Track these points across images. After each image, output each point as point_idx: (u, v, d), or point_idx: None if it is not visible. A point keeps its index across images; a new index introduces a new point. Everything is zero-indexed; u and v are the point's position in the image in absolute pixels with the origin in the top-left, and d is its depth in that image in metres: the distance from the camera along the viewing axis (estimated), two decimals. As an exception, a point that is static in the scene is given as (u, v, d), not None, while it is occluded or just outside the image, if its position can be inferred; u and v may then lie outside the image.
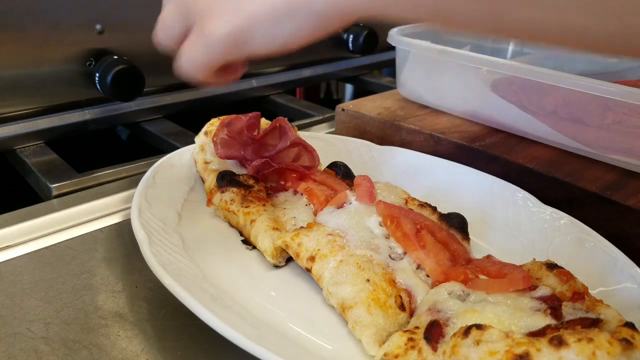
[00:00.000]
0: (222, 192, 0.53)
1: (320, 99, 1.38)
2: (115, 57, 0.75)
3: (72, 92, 0.78)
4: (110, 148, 0.92)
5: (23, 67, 0.74)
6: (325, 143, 0.67)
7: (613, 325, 0.35)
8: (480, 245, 0.51)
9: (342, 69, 1.13)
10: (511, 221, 0.52)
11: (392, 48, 0.75)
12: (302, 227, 0.48)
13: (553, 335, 0.32)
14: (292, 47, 0.40)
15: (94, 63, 0.76)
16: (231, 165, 0.61)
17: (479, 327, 0.33)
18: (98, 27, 0.77)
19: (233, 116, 0.64)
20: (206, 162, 0.60)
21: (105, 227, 0.57)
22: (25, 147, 0.75)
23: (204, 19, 0.40)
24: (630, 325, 0.34)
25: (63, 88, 0.77)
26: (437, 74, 0.69)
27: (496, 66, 0.61)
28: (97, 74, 0.74)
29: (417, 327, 0.37)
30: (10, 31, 0.71)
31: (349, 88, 1.41)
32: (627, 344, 0.32)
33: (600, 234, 0.47)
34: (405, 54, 0.73)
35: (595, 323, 0.34)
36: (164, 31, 0.45)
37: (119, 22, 0.79)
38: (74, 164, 0.71)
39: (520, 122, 0.62)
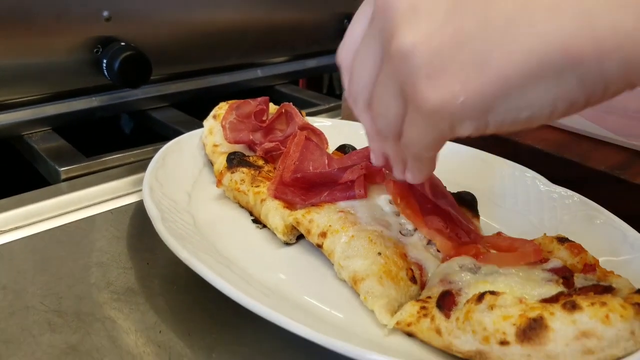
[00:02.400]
0: (232, 172, 0.53)
1: (323, 92, 1.38)
2: (123, 43, 0.75)
3: (79, 79, 0.78)
4: (117, 136, 0.93)
5: (30, 54, 0.74)
6: (333, 127, 0.67)
7: (625, 293, 0.35)
8: (490, 224, 0.51)
9: (347, 60, 1.13)
10: (520, 201, 0.53)
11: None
12: (312, 205, 0.48)
13: (566, 300, 0.32)
14: (535, 124, 0.28)
15: (101, 50, 0.77)
16: (240, 149, 0.61)
17: (492, 293, 0.33)
18: (105, 14, 0.77)
19: (242, 100, 0.65)
20: (215, 145, 0.60)
21: (114, 208, 0.57)
22: (33, 133, 0.75)
23: (422, 86, 0.28)
24: (642, 292, 0.34)
25: (70, 75, 0.77)
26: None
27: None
28: (105, 61, 0.75)
29: (429, 297, 0.38)
30: (18, 18, 0.71)
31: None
32: (639, 308, 0.32)
33: (610, 213, 0.48)
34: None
35: (607, 290, 0.34)
36: (383, 116, 0.32)
37: (126, 9, 0.79)
38: (81, 151, 0.72)
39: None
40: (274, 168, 0.56)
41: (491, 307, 0.33)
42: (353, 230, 0.44)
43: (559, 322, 0.31)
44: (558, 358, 0.31)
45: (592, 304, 0.31)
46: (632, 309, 0.31)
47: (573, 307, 0.31)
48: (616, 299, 0.32)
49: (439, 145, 0.32)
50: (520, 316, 0.32)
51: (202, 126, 0.66)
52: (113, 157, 0.69)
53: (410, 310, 0.37)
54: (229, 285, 0.36)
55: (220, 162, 0.57)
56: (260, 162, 0.55)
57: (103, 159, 0.68)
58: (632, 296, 0.33)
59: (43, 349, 0.38)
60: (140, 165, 0.67)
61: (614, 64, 0.25)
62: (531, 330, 0.31)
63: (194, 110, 0.88)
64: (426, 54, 0.27)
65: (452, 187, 0.51)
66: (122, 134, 0.94)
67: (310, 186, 0.51)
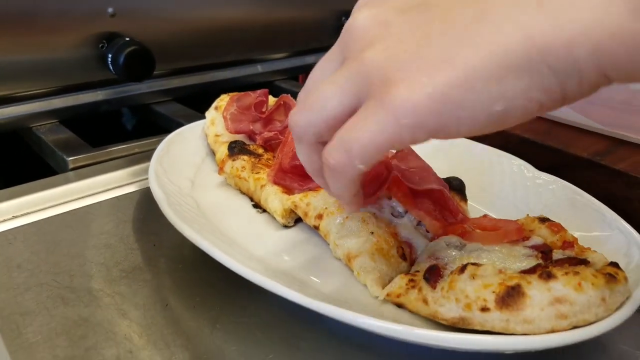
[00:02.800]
0: (234, 160, 0.56)
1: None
2: (127, 39, 0.78)
3: (85, 74, 0.81)
4: (120, 129, 0.95)
5: (38, 49, 0.76)
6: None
7: (599, 266, 0.38)
8: (477, 208, 0.54)
9: (345, 57, 1.16)
10: (507, 186, 0.55)
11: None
12: (309, 190, 0.51)
13: (543, 270, 0.35)
14: (511, 119, 0.27)
15: (106, 45, 0.79)
16: (240, 139, 0.63)
17: (474, 264, 0.36)
18: (110, 10, 0.80)
19: (242, 93, 0.67)
20: (217, 135, 0.63)
21: (120, 195, 0.60)
22: (41, 125, 0.78)
23: (389, 82, 0.27)
24: (614, 264, 0.37)
25: (76, 69, 0.80)
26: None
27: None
28: (110, 55, 0.77)
29: (417, 271, 0.40)
30: (26, 15, 0.74)
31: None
32: (610, 277, 0.34)
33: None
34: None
35: (582, 262, 0.37)
36: (319, 105, 0.31)
37: (130, 6, 0.82)
38: (87, 142, 0.74)
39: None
40: (273, 156, 0.59)
41: (473, 277, 0.35)
42: (347, 212, 0.46)
43: (535, 289, 0.34)
44: (534, 322, 0.33)
45: (566, 273, 0.34)
46: (603, 278, 0.34)
47: (548, 276, 0.34)
48: (589, 269, 0.35)
49: (378, 155, 0.29)
50: (500, 284, 0.34)
51: (203, 118, 0.68)
52: (118, 147, 0.71)
53: (400, 282, 0.39)
54: (232, 259, 0.38)
55: (222, 151, 0.60)
56: (260, 151, 0.58)
57: (109, 150, 0.71)
58: (605, 267, 0.36)
59: (57, 320, 0.41)
60: (145, 156, 0.70)
61: (584, 51, 0.24)
62: (509, 297, 0.34)
63: (196, 104, 0.91)
64: (397, 54, 0.28)
65: (443, 174, 0.54)
66: (125, 128, 0.97)
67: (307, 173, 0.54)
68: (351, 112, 0.30)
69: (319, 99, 0.31)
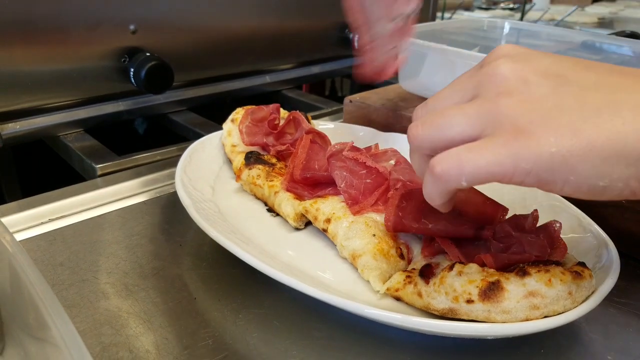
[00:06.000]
0: (250, 168, 0.62)
1: (325, 96, 1.47)
2: (148, 54, 0.84)
3: (108, 86, 0.87)
4: (141, 137, 1.02)
5: (66, 63, 0.83)
6: (335, 130, 0.76)
7: (569, 265, 0.44)
8: (469, 213, 0.60)
9: (348, 66, 1.23)
10: (496, 194, 0.61)
11: (394, 47, 0.84)
12: (318, 197, 0.57)
13: (519, 268, 0.41)
14: (607, 196, 0.32)
15: (128, 59, 0.86)
16: (254, 149, 0.70)
17: (461, 262, 0.42)
18: (132, 27, 0.86)
19: (256, 107, 0.73)
20: (233, 145, 0.69)
21: (147, 200, 0.66)
22: (68, 133, 0.85)
23: (519, 130, 0.32)
24: (581, 263, 0.43)
25: (100, 82, 0.86)
26: (434, 69, 0.78)
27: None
28: (132, 69, 0.84)
29: (413, 269, 0.47)
30: (55, 32, 0.80)
31: (353, 86, 1.50)
32: (577, 274, 0.40)
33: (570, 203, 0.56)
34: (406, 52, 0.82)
35: (554, 263, 0.43)
36: (444, 126, 0.35)
37: (150, 24, 0.88)
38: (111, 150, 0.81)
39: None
40: (285, 165, 0.65)
41: (459, 274, 0.41)
42: (353, 217, 0.53)
43: (512, 284, 0.40)
44: (511, 312, 0.39)
45: (539, 270, 0.40)
46: (571, 275, 0.40)
47: (524, 273, 0.40)
48: (558, 268, 0.41)
49: (482, 181, 0.34)
50: (482, 280, 0.40)
51: (217, 128, 0.75)
52: (142, 155, 0.78)
53: (398, 278, 0.45)
54: (254, 257, 0.45)
55: (239, 160, 0.66)
56: (274, 160, 0.64)
57: (134, 157, 0.77)
58: (573, 266, 0.42)
59: (100, 312, 0.47)
60: (166, 163, 0.76)
61: None
62: (490, 291, 0.40)
63: (209, 113, 0.97)
64: (531, 109, 0.32)
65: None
66: (146, 135, 1.03)
67: (317, 184, 0.60)
68: (469, 141, 0.34)
69: (445, 121, 0.35)
